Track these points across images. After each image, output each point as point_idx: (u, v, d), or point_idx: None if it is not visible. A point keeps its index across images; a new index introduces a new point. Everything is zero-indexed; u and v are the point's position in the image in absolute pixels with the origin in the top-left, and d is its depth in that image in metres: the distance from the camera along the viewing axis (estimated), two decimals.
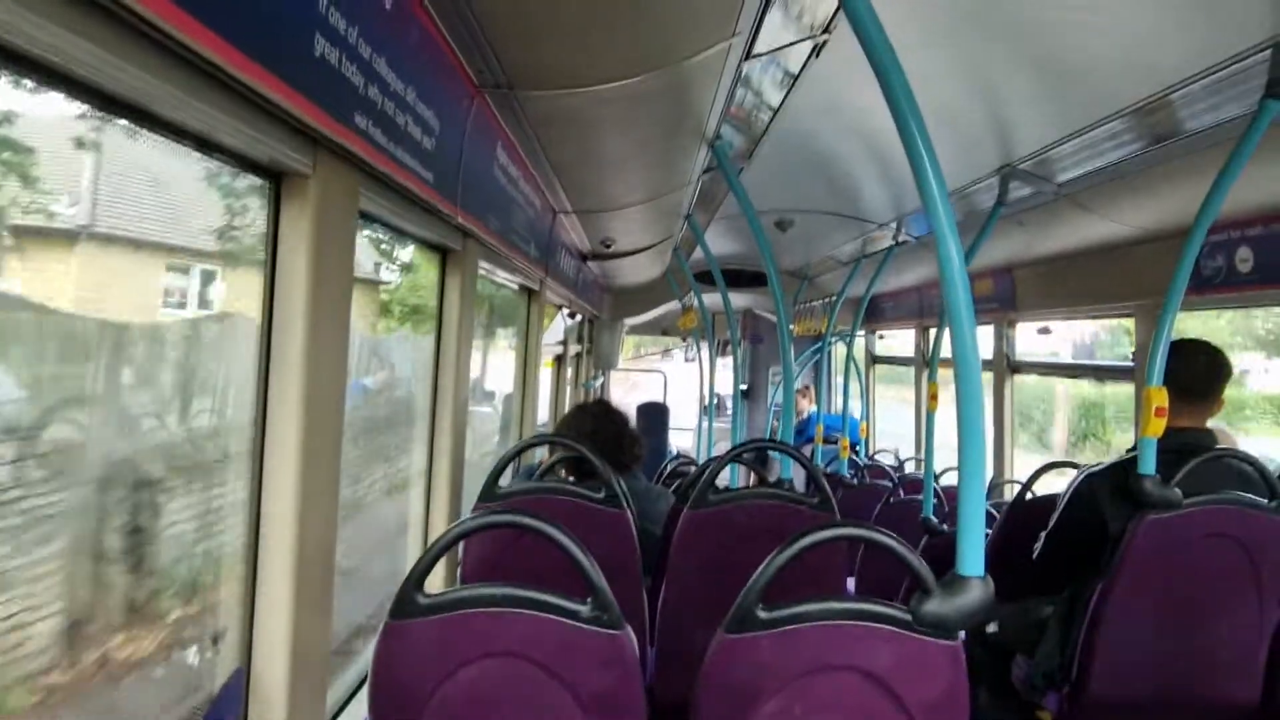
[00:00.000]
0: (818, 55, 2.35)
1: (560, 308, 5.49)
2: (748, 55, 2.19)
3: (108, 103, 0.95)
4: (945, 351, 3.98)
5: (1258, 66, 1.97)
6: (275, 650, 1.37)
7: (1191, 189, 2.62)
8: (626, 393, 11.21)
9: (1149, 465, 2.19)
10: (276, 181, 1.34)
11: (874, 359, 8.29)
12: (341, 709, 1.92)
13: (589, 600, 1.43)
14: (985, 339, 4.91)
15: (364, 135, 1.41)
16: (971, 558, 1.42)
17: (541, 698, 1.44)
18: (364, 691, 1.59)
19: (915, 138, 1.40)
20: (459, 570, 2.42)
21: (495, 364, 4.72)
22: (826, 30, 2.17)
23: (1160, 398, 2.20)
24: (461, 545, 2.25)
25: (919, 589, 1.43)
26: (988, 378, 4.86)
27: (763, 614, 1.41)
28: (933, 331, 5.69)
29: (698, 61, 2.03)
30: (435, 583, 1.48)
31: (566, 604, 1.43)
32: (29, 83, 0.86)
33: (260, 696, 1.37)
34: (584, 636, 1.42)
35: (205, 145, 1.15)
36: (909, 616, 1.41)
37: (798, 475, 3.67)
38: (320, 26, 1.19)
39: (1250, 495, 2.19)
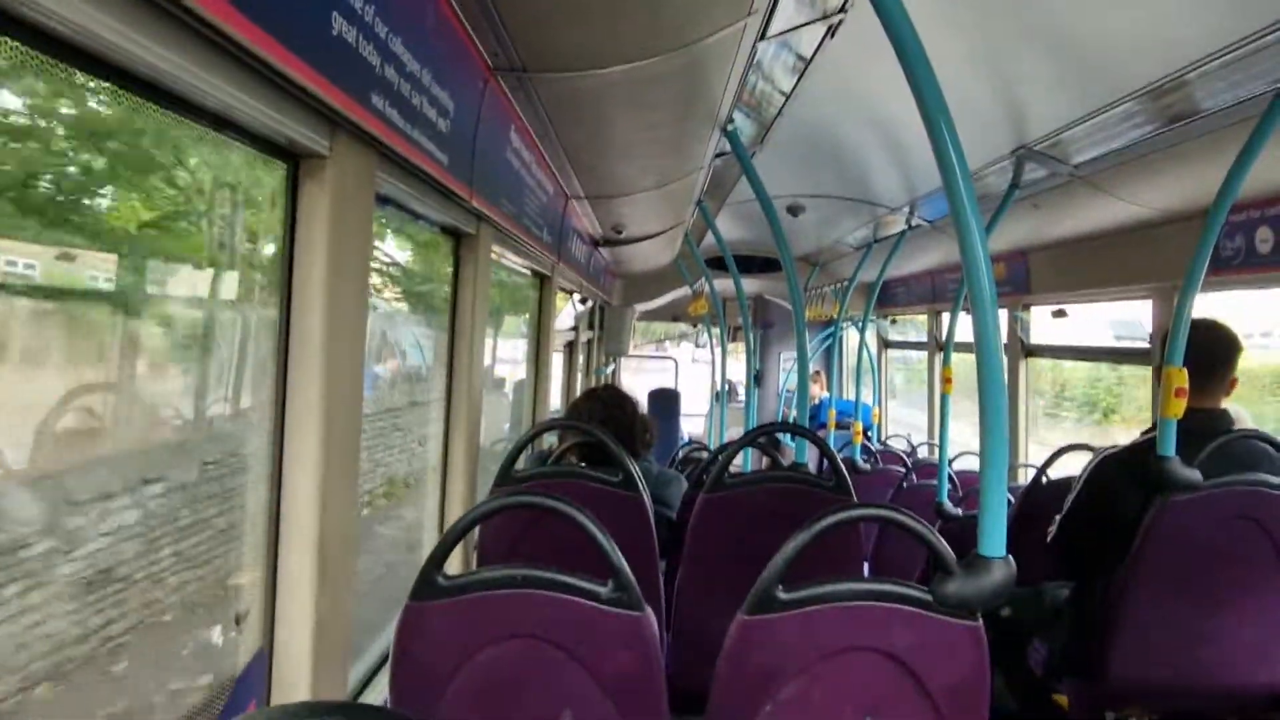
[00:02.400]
0: (832, 36, 2.33)
1: (571, 294, 5.48)
2: (762, 36, 2.17)
3: (129, 80, 0.94)
4: (957, 335, 3.99)
5: (1278, 45, 1.94)
6: (297, 631, 1.38)
7: (1209, 169, 2.59)
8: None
9: (1169, 446, 2.18)
10: (294, 164, 1.34)
11: (886, 344, 8.27)
12: (363, 689, 1.93)
13: (609, 581, 1.43)
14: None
15: (381, 116, 1.40)
16: (993, 539, 1.42)
17: (562, 678, 1.44)
18: (385, 672, 1.60)
19: (937, 117, 1.38)
20: (475, 553, 2.43)
21: (505, 352, 4.73)
22: (842, 10, 2.15)
23: (1180, 379, 2.18)
24: (477, 528, 2.26)
25: (939, 571, 1.43)
26: None
27: (783, 595, 1.41)
28: (945, 316, 5.66)
29: (712, 42, 2.01)
30: (450, 566, 1.49)
31: (587, 585, 1.43)
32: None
33: (282, 677, 1.38)
34: (605, 617, 1.42)
35: (225, 126, 1.15)
36: (930, 597, 1.41)
37: (811, 461, 3.67)
38: (338, 4, 1.19)
39: (1272, 476, 2.18)
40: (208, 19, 0.90)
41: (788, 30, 2.23)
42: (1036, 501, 2.94)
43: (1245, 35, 1.92)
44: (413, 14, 1.50)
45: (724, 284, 6.75)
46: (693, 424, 10.18)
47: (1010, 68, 2.55)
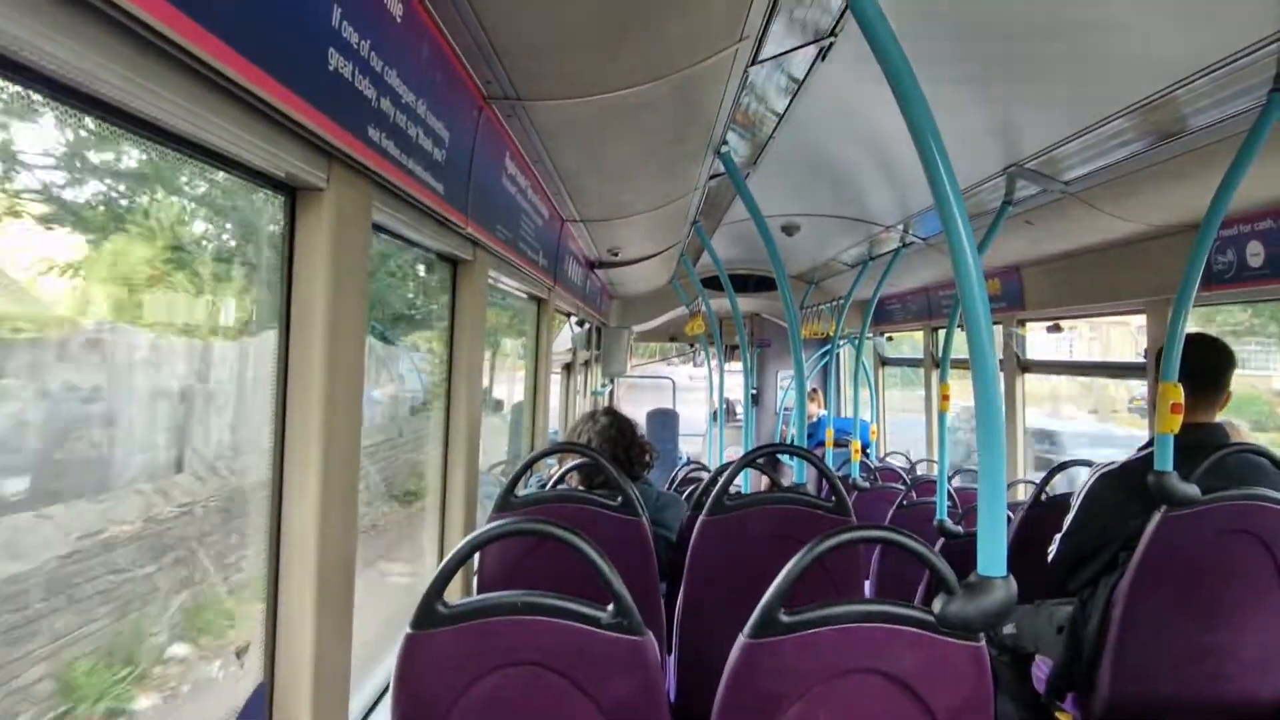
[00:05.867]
0: (823, 59, 2.35)
1: (568, 316, 5.49)
2: (754, 60, 2.20)
3: (128, 120, 0.95)
4: (954, 352, 3.99)
5: (1264, 61, 1.96)
6: (298, 665, 1.37)
7: (1200, 184, 2.61)
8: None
9: (1166, 461, 2.18)
10: (291, 196, 1.35)
11: (883, 361, 8.28)
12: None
13: (610, 606, 1.43)
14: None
15: (377, 148, 1.42)
16: (993, 558, 1.41)
17: (564, 706, 1.44)
18: (386, 702, 1.59)
19: (927, 137, 1.39)
20: (475, 579, 2.42)
21: (502, 375, 4.72)
22: (832, 34, 2.18)
23: (1176, 394, 2.19)
24: (478, 554, 2.25)
25: (940, 590, 1.43)
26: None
27: (785, 618, 1.40)
28: (941, 333, 5.67)
29: (705, 68, 2.03)
30: (451, 593, 1.48)
31: (588, 610, 1.43)
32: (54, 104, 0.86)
33: (283, 711, 1.37)
34: (605, 643, 1.42)
35: (223, 161, 1.16)
36: (932, 618, 1.40)
37: (810, 480, 3.67)
38: (334, 40, 1.20)
39: (1269, 490, 2.18)
40: (206, 59, 0.91)
41: (779, 54, 2.25)
42: (1036, 519, 2.94)
43: (1230, 53, 1.95)
44: (407, 46, 1.52)
45: (720, 303, 6.77)
46: (691, 444, 10.15)
47: (1000, 87, 2.58)
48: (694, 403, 10.61)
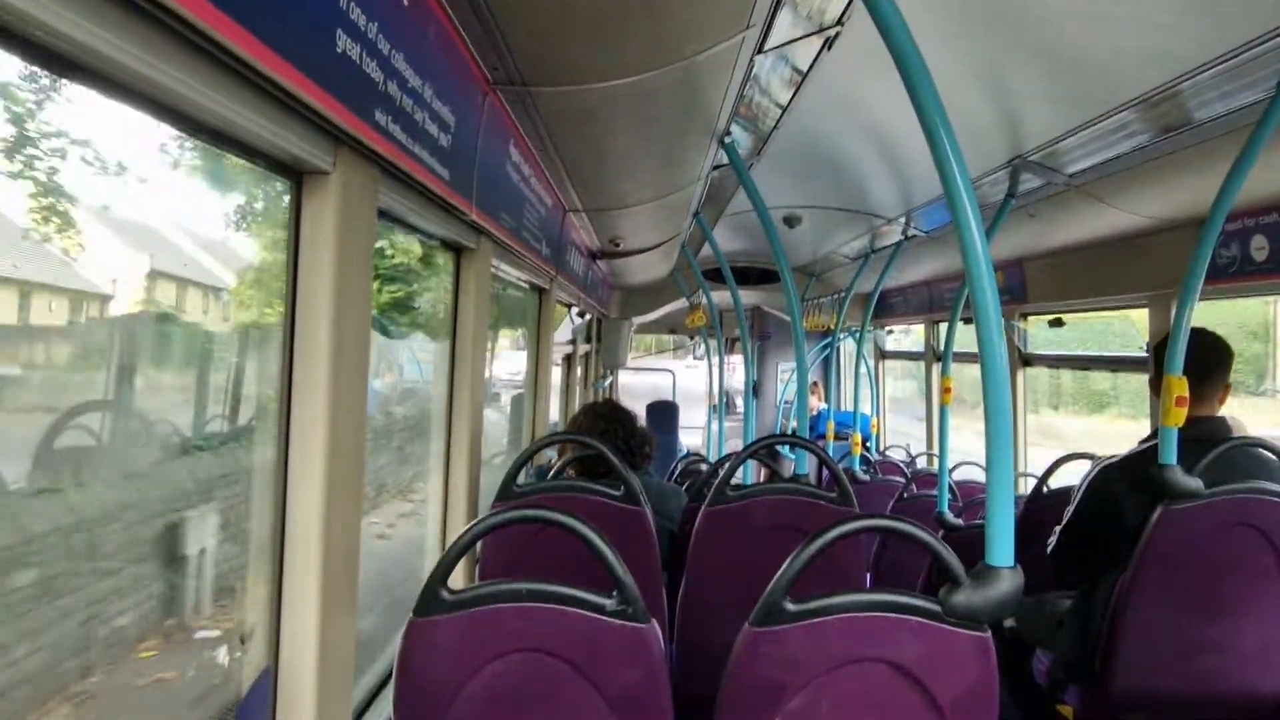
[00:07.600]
0: (829, 49, 2.34)
1: (569, 307, 5.48)
2: (760, 49, 2.18)
3: (134, 97, 0.95)
4: (956, 345, 3.99)
5: (1272, 53, 1.95)
6: (302, 650, 1.37)
7: (1205, 177, 2.60)
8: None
9: (1170, 455, 2.18)
10: (298, 180, 1.34)
11: (883, 354, 8.28)
12: (367, 706, 1.92)
13: (614, 594, 1.43)
14: None
15: (384, 132, 1.41)
16: (1001, 548, 1.41)
17: (567, 693, 1.44)
18: (389, 688, 1.59)
19: (937, 127, 1.39)
20: (477, 568, 2.42)
21: (502, 365, 4.70)
22: (839, 23, 2.17)
23: (1181, 387, 2.18)
24: (480, 543, 2.25)
25: (946, 581, 1.43)
26: None
27: (790, 606, 1.41)
28: (942, 326, 5.67)
29: (710, 56, 2.02)
30: (453, 582, 1.48)
31: (592, 598, 1.43)
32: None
33: (288, 696, 1.37)
34: (610, 630, 1.42)
35: (230, 143, 1.15)
36: (938, 608, 1.40)
37: (810, 471, 3.68)
38: (342, 22, 1.19)
39: (1272, 484, 2.18)
40: (216, 38, 0.90)
41: (785, 43, 2.24)
42: (1037, 511, 2.94)
43: (1237, 45, 1.94)
44: (414, 30, 1.51)
45: (722, 295, 6.76)
46: (691, 436, 10.15)
47: (1004, 78, 2.57)
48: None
